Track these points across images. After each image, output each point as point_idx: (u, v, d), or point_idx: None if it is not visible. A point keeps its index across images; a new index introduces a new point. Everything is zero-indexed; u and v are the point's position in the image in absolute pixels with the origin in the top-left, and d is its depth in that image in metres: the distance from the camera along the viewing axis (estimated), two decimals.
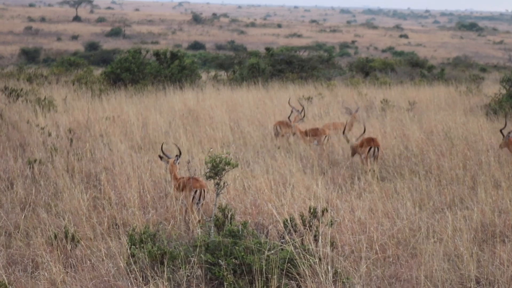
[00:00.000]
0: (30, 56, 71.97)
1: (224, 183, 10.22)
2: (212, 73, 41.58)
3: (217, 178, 10.11)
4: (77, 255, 9.95)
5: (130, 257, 9.02)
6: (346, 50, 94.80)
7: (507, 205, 11.94)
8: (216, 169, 10.03)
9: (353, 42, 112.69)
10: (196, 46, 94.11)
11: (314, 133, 17.22)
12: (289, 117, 18.08)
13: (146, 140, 17.66)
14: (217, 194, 10.25)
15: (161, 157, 12.20)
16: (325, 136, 17.14)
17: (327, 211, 9.85)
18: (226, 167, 10.03)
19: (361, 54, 79.90)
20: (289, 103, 20.04)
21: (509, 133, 15.24)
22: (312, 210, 9.75)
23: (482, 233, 10.96)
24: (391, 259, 9.92)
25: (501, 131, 15.49)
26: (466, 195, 12.98)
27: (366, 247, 9.96)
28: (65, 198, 12.21)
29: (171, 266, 8.86)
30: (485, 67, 58.88)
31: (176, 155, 12.04)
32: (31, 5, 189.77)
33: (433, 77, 39.49)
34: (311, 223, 9.69)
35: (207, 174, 10.11)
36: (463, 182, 13.97)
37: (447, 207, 12.36)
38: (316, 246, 9.07)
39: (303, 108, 19.21)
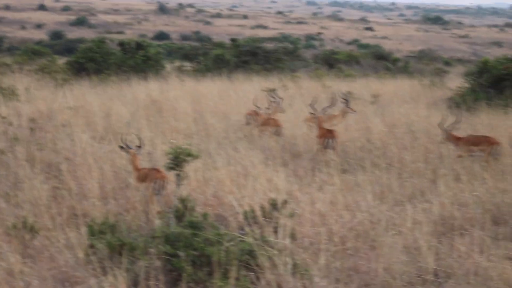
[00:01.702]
0: None
1: (185, 174, 10.21)
2: (177, 63, 41.44)
3: (178, 169, 10.11)
4: (35, 246, 9.88)
5: (89, 248, 8.98)
6: (312, 42, 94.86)
7: (467, 198, 12.06)
8: (177, 160, 10.03)
9: (318, 34, 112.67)
10: (161, 36, 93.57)
11: (275, 123, 17.44)
12: (256, 105, 18.18)
13: (109, 130, 17.55)
14: (178, 185, 10.24)
15: (122, 148, 12.13)
16: (277, 127, 17.32)
17: (287, 203, 9.87)
18: (187, 158, 10.03)
19: (327, 46, 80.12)
20: (271, 94, 20.03)
21: (447, 126, 15.29)
22: (272, 202, 9.77)
23: (441, 226, 11.04)
24: (350, 251, 9.96)
25: (439, 125, 15.52)
26: (427, 188, 13.09)
27: (325, 239, 9.99)
28: (25, 188, 12.10)
29: (130, 257, 8.82)
30: (450, 60, 59.29)
31: (138, 146, 11.99)
32: None
33: (397, 70, 39.75)
34: (271, 215, 9.70)
35: (168, 165, 10.11)
36: (424, 175, 14.07)
37: (408, 199, 12.43)
38: (276, 238, 9.08)
39: (282, 99, 19.42)
